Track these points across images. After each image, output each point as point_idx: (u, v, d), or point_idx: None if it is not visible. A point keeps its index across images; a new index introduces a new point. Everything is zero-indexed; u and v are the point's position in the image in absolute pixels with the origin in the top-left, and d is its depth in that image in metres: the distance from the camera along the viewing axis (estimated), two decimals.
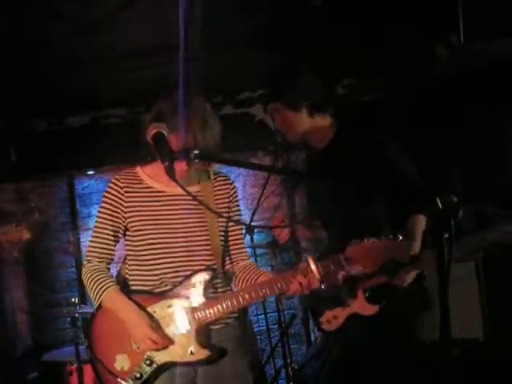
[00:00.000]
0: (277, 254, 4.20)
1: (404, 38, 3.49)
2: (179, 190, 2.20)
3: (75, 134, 4.74)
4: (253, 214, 4.31)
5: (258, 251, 4.52)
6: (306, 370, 4.04)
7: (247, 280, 2.32)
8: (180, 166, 2.12)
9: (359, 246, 2.12)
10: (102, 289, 2.23)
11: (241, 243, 2.44)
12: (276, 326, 4.31)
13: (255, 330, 4.67)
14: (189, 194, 2.09)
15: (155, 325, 2.18)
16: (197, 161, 1.91)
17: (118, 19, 3.13)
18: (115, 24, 3.20)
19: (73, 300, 3.56)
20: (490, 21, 3.39)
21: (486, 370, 3.47)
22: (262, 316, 4.36)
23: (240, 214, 2.45)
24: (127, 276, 2.33)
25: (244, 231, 4.38)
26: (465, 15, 3.20)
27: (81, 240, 4.89)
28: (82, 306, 3.61)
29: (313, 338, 4.69)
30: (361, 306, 2.58)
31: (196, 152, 1.90)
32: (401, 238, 2.08)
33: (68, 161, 4.69)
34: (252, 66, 4.24)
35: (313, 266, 2.12)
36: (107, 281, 2.26)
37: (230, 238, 2.39)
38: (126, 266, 2.34)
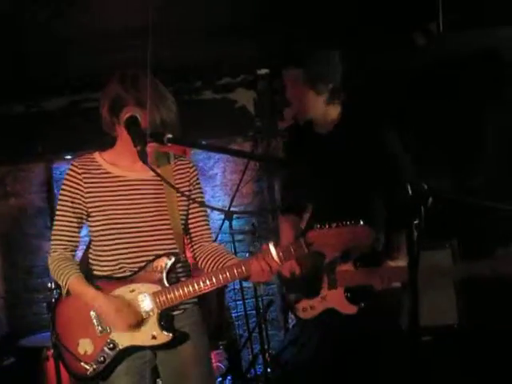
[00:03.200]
0: (255, 240, 4.22)
1: (382, 27, 3.49)
2: (137, 175, 2.28)
3: (53, 118, 4.68)
4: (232, 200, 4.32)
5: (237, 237, 4.52)
6: (283, 355, 4.06)
7: (211, 265, 2.34)
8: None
9: (321, 231, 2.13)
10: (66, 277, 2.25)
11: (204, 225, 2.43)
12: (254, 311, 4.33)
13: (233, 315, 4.69)
14: (157, 174, 2.10)
15: (120, 305, 2.21)
16: (169, 144, 1.89)
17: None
18: (92, 4, 3.16)
19: (49, 285, 3.53)
20: (469, 10, 3.40)
21: (461, 356, 3.52)
22: (240, 302, 4.38)
23: (202, 197, 2.45)
24: (90, 261, 2.35)
25: (223, 217, 4.44)
26: (444, 4, 3.20)
27: None
28: (58, 291, 3.59)
29: (290, 325, 4.72)
30: (340, 303, 2.57)
31: (169, 136, 1.89)
32: (362, 223, 2.08)
33: (45, 145, 4.64)
34: (233, 52, 4.23)
35: (272, 250, 2.14)
36: (70, 268, 2.27)
37: (191, 221, 2.39)
38: (90, 251, 2.36)
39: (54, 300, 2.40)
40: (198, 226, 2.41)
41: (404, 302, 2.54)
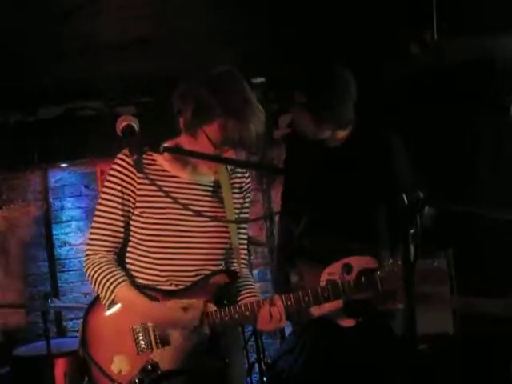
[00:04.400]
0: (251, 250, 4.21)
1: (376, 35, 3.50)
2: (194, 178, 2.07)
3: (48, 126, 4.68)
4: None
5: None
6: (279, 364, 4.04)
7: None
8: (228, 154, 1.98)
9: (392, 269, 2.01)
10: (114, 284, 2.00)
11: (244, 245, 2.24)
12: None
13: None
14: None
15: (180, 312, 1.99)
16: (165, 154, 1.88)
17: (93, 10, 3.09)
18: (90, 15, 3.16)
19: (44, 294, 3.52)
20: (464, 19, 3.41)
21: (457, 364, 3.51)
22: None
23: (248, 213, 2.25)
24: (127, 266, 2.10)
25: None
26: (439, 13, 3.21)
27: (53, 233, 4.85)
28: (53, 299, 3.58)
29: (286, 333, 4.71)
30: (338, 316, 2.50)
31: (165, 145, 1.88)
32: (436, 264, 1.98)
33: (41, 153, 4.64)
34: (227, 60, 4.23)
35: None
36: (117, 275, 2.02)
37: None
38: (129, 255, 2.10)
39: (87, 307, 2.12)
40: (241, 243, 2.20)
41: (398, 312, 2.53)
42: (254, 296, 2.15)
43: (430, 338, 3.47)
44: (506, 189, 3.75)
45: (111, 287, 2.00)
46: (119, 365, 2.00)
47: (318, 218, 2.65)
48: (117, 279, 2.01)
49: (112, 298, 2.00)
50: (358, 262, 2.38)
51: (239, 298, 2.15)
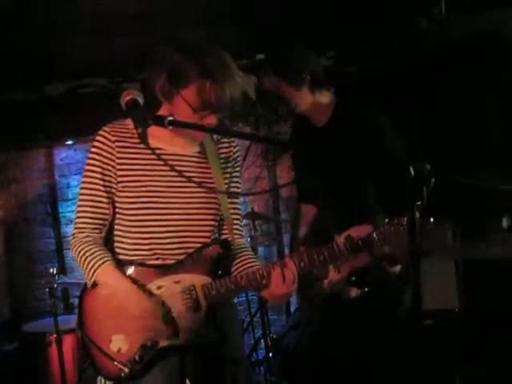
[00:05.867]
0: (256, 225, 4.22)
1: (385, 10, 3.46)
2: (179, 150, 2.05)
3: (53, 104, 4.67)
4: None
5: None
6: (284, 340, 4.07)
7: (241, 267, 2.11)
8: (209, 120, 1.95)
9: (392, 225, 1.97)
10: (97, 264, 1.98)
11: (238, 214, 2.19)
12: (255, 296, 4.34)
13: (235, 300, 4.70)
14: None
15: (157, 305, 1.96)
16: (171, 127, 1.87)
17: None
18: None
19: (51, 271, 3.54)
20: None
21: (462, 340, 3.52)
22: None
23: (239, 181, 2.22)
24: (115, 244, 2.08)
25: None
26: None
27: (59, 211, 4.86)
28: (60, 276, 3.60)
29: (292, 309, 4.74)
30: (345, 287, 2.49)
31: (170, 118, 1.86)
32: (432, 220, 1.90)
33: (46, 131, 4.63)
34: (233, 36, 4.20)
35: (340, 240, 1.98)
36: (102, 255, 2.00)
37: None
38: (116, 232, 2.08)
39: (82, 289, 2.10)
40: (234, 213, 2.16)
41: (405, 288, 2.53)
42: (249, 264, 2.11)
43: (435, 314, 3.48)
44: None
45: (94, 267, 1.99)
46: (118, 343, 1.98)
47: (318, 192, 2.68)
48: (100, 259, 2.00)
49: (94, 277, 2.00)
50: (357, 232, 2.40)
51: (233, 269, 2.10)
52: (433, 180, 1.47)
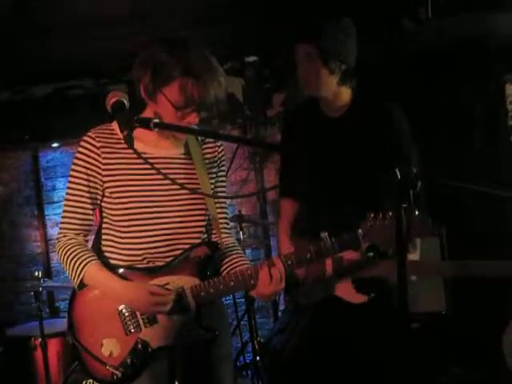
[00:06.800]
0: (243, 228, 4.20)
1: (371, 11, 3.46)
2: (165, 153, 2.05)
3: (39, 105, 4.63)
4: None
5: None
6: (272, 343, 4.06)
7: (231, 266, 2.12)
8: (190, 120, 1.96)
9: (376, 221, 1.96)
10: (82, 265, 1.97)
11: (225, 214, 2.20)
12: (243, 299, 4.33)
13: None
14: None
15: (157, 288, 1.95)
16: (156, 130, 1.86)
17: None
18: None
19: (36, 274, 3.51)
20: None
21: (450, 342, 3.54)
22: None
23: (225, 182, 2.21)
24: (104, 249, 2.08)
25: None
26: None
27: (45, 213, 4.83)
28: (45, 279, 3.57)
29: (279, 312, 4.73)
30: (348, 292, 2.47)
31: (156, 121, 1.85)
32: (417, 213, 1.83)
33: (32, 133, 4.59)
34: (221, 38, 4.20)
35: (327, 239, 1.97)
36: (86, 255, 2.00)
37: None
38: (105, 237, 2.08)
39: (71, 293, 2.08)
40: (221, 213, 2.16)
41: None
42: (239, 263, 2.11)
43: (422, 317, 3.48)
44: (499, 165, 3.76)
45: (79, 268, 1.98)
46: (109, 347, 1.99)
47: (319, 189, 2.60)
48: (84, 259, 1.99)
49: (80, 278, 1.99)
50: None
51: (222, 268, 2.11)
52: (419, 183, 1.47)
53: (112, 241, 2.06)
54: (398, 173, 1.47)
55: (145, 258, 2.02)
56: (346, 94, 2.58)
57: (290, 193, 2.75)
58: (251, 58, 4.81)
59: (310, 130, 2.64)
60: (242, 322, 4.34)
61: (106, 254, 2.07)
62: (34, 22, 3.47)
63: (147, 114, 2.03)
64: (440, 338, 3.51)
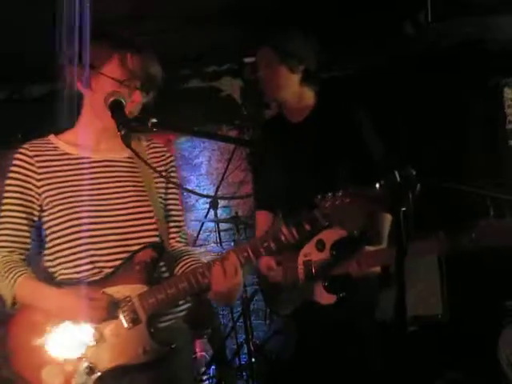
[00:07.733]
0: (240, 230, 4.19)
1: (371, 15, 3.46)
2: (105, 156, 1.96)
3: (34, 105, 4.61)
4: (217, 189, 4.29)
5: (222, 226, 4.50)
6: (267, 345, 4.05)
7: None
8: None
9: (336, 199, 1.82)
10: (12, 281, 1.83)
11: (176, 216, 2.06)
12: (238, 301, 4.31)
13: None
14: (139, 157, 1.79)
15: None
16: (155, 130, 1.84)
17: None
18: None
19: None
20: (457, 0, 3.39)
21: (446, 346, 3.53)
22: None
23: (177, 190, 2.09)
24: (49, 265, 1.92)
25: (208, 206, 4.39)
26: None
27: None
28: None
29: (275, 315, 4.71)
30: (318, 293, 2.47)
31: (154, 120, 1.83)
32: (378, 186, 1.69)
33: (25, 133, 4.56)
34: (218, 40, 4.19)
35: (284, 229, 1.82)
36: (16, 271, 1.84)
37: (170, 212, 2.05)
38: (48, 253, 1.92)
39: (6, 320, 1.87)
40: (172, 216, 2.05)
41: (383, 293, 2.52)
42: (192, 264, 1.95)
43: (419, 320, 3.48)
44: (496, 167, 3.76)
45: (9, 286, 1.84)
46: (51, 377, 1.76)
47: (290, 191, 2.62)
48: (14, 276, 1.84)
49: (12, 295, 1.84)
50: (330, 236, 2.39)
51: (175, 272, 1.97)
52: (418, 185, 1.45)
53: (57, 257, 1.89)
54: (397, 175, 1.47)
55: (94, 267, 1.86)
56: (308, 95, 2.62)
57: (265, 205, 2.81)
58: (249, 59, 4.80)
59: (275, 140, 2.69)
60: (238, 324, 4.33)
61: (52, 270, 1.91)
62: (32, 23, 3.45)
63: (85, 111, 2.02)
64: (436, 342, 3.51)
